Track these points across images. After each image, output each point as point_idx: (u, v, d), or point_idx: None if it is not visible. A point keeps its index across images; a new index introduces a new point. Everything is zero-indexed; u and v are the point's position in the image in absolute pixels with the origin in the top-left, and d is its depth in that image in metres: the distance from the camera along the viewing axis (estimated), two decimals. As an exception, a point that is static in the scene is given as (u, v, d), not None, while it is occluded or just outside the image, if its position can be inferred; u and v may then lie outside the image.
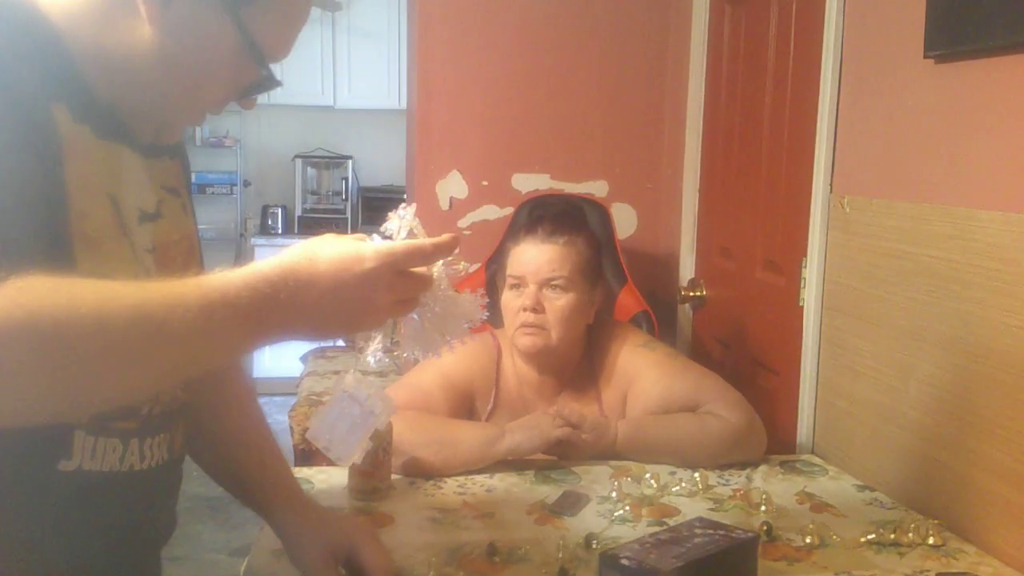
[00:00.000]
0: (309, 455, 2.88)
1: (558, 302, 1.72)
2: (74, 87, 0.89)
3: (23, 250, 0.78)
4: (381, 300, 0.85)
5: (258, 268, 0.81)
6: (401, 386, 1.77)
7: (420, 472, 1.59)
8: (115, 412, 0.95)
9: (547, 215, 1.83)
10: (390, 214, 0.96)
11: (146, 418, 0.99)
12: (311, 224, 5.77)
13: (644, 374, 1.76)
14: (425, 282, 0.90)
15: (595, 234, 1.84)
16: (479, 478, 1.60)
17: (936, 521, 1.43)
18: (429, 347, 0.98)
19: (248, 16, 0.91)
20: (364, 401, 1.05)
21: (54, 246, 0.82)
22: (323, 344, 4.64)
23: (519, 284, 1.74)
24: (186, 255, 1.05)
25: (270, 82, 0.96)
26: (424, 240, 0.91)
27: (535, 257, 1.73)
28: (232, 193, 5.97)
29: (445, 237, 0.90)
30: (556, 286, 1.72)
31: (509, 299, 1.76)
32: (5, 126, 0.81)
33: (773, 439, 1.79)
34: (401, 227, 0.95)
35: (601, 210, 2.44)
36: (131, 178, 0.96)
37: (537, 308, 1.71)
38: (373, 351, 0.98)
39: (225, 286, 0.78)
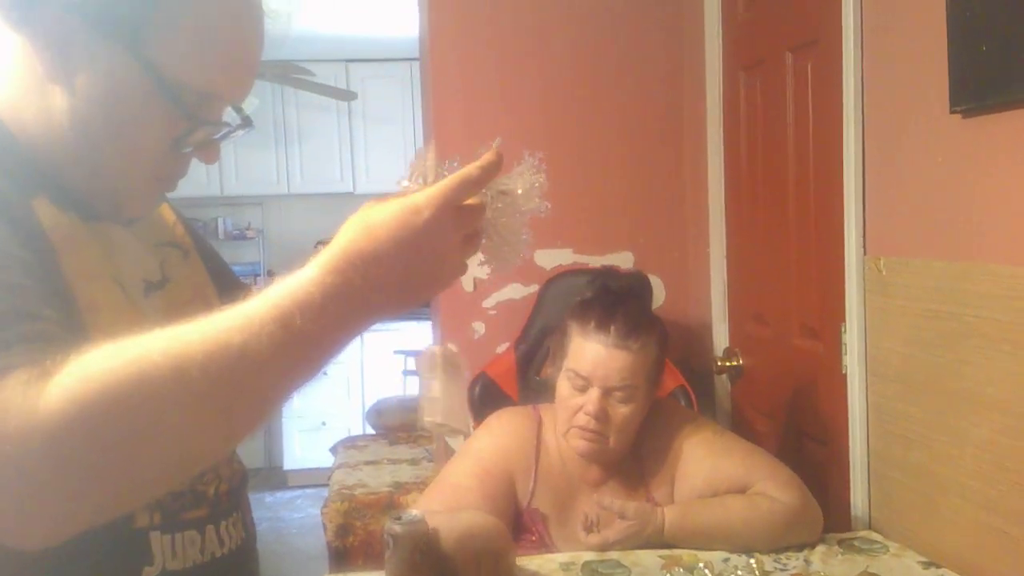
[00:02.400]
0: (344, 552, 2.81)
1: (622, 410, 1.63)
2: (43, 177, 0.85)
3: (56, 328, 0.74)
4: (449, 244, 0.78)
5: (320, 262, 0.75)
6: (433, 487, 1.71)
7: None
8: (182, 502, 0.92)
9: (620, 311, 1.67)
10: (411, 164, 0.88)
11: (214, 501, 0.96)
12: (336, 310, 5.77)
13: (690, 454, 1.69)
14: (482, 210, 0.83)
15: (664, 331, 1.72)
16: (524, 575, 1.53)
17: (1011, 599, 1.35)
18: (509, 256, 0.90)
19: (152, 50, 0.82)
20: (458, 367, 1.00)
21: (75, 338, 0.77)
22: (352, 435, 4.60)
23: (582, 385, 1.64)
24: (205, 309, 1.01)
25: (200, 121, 0.87)
26: (468, 167, 0.83)
27: (605, 361, 1.62)
28: (256, 284, 5.99)
29: (487, 156, 0.83)
30: (623, 395, 1.63)
31: (568, 395, 1.65)
32: (3, 231, 0.77)
33: (825, 513, 1.71)
34: (427, 172, 0.86)
35: (646, 282, 2.39)
36: (126, 252, 0.92)
37: (599, 416, 1.62)
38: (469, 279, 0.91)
39: (294, 291, 0.73)
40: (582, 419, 1.63)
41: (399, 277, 0.76)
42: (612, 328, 1.63)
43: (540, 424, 1.75)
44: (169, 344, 0.70)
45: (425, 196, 0.78)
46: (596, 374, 1.62)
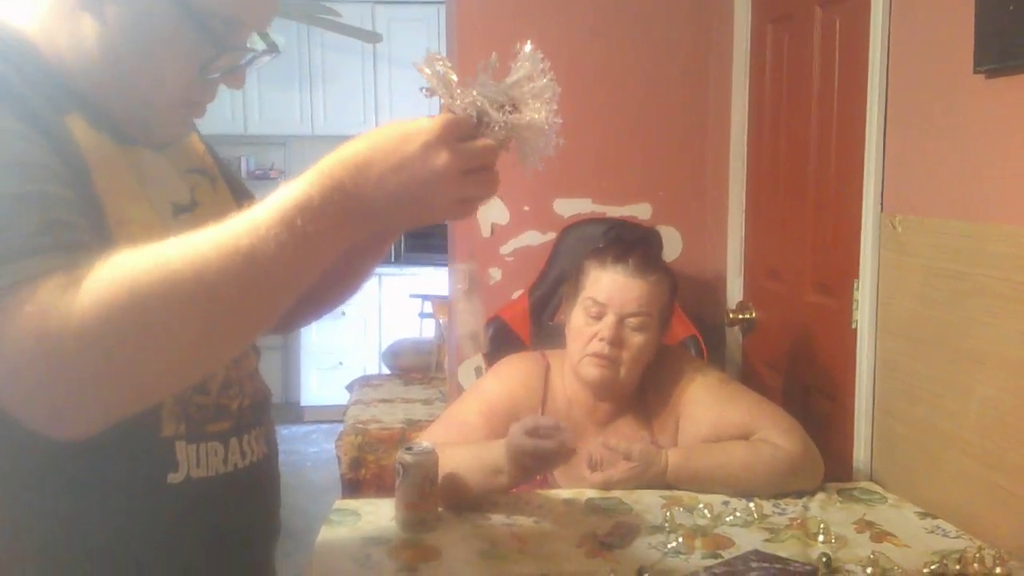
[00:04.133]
0: (357, 484, 2.89)
1: (635, 339, 1.69)
2: (76, 97, 0.89)
3: (89, 237, 0.79)
4: (441, 172, 0.82)
5: (317, 167, 0.81)
6: (440, 421, 1.76)
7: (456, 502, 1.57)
8: (207, 414, 0.97)
9: (638, 247, 1.78)
10: (424, 68, 0.90)
11: (237, 415, 1.01)
12: (356, 251, 5.82)
13: (696, 400, 1.73)
14: (492, 150, 0.86)
15: (675, 279, 1.79)
16: (527, 509, 1.58)
17: (1002, 550, 1.38)
18: (532, 157, 0.92)
19: None
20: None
21: (106, 247, 0.82)
22: (368, 374, 4.67)
23: (599, 313, 1.70)
24: None
25: (227, 47, 0.91)
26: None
27: (624, 289, 1.69)
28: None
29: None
30: (637, 323, 1.69)
31: (582, 323, 1.71)
32: (38, 143, 0.81)
33: (828, 465, 1.74)
34: (438, 79, 0.89)
35: (658, 236, 2.43)
36: (157, 175, 0.96)
37: (615, 342, 1.67)
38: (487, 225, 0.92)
39: (294, 195, 0.79)
40: (596, 345, 1.68)
41: (388, 191, 0.81)
42: (630, 260, 1.71)
43: (548, 369, 1.79)
44: (186, 250, 0.76)
45: (430, 120, 0.83)
46: (613, 300, 1.68)
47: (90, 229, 0.81)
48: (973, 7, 1.51)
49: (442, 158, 0.82)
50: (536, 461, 1.49)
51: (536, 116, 0.91)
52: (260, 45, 0.96)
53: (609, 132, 2.67)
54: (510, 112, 0.90)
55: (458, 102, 0.88)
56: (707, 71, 2.71)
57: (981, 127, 1.55)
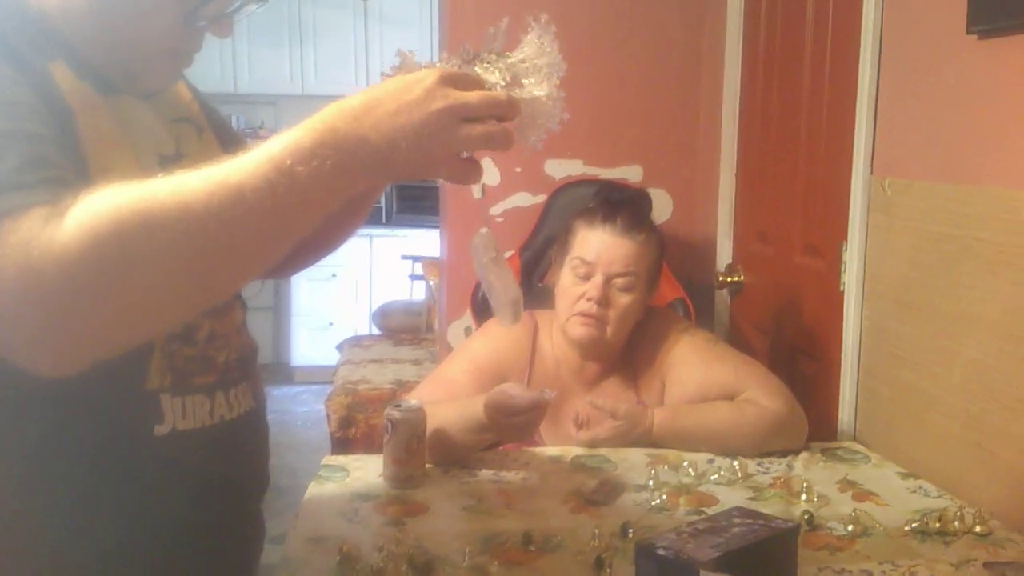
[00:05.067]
0: (346, 443, 2.90)
1: (622, 299, 1.70)
2: (60, 45, 0.88)
3: (70, 173, 0.78)
4: (441, 116, 0.80)
5: (316, 115, 0.80)
6: (428, 380, 1.77)
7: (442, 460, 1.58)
8: (193, 367, 0.97)
9: (626, 206, 1.78)
10: (397, 53, 0.91)
11: (223, 369, 1.01)
12: (345, 212, 5.80)
13: (683, 360, 1.74)
14: (494, 101, 0.85)
15: (663, 239, 1.80)
16: (514, 465, 1.59)
17: (983, 509, 1.40)
18: (530, 135, 0.92)
19: None
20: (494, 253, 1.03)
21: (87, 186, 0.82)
22: (358, 335, 4.67)
23: (586, 272, 1.70)
24: None
25: None
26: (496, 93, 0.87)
27: (611, 248, 1.69)
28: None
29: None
30: (624, 283, 1.69)
31: (570, 283, 1.72)
32: (21, 85, 0.81)
33: (813, 426, 1.76)
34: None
35: (647, 197, 2.43)
36: (141, 124, 0.95)
37: (601, 302, 1.68)
38: (478, 187, 0.94)
39: (286, 139, 0.78)
40: (584, 305, 1.68)
41: (385, 133, 0.79)
42: (618, 220, 1.71)
43: (536, 329, 1.79)
44: (174, 185, 0.75)
45: (428, 70, 0.83)
46: (601, 259, 1.69)
47: (74, 168, 0.80)
48: (967, -33, 1.50)
49: (440, 101, 0.80)
50: (511, 426, 1.49)
51: (538, 93, 0.90)
52: None
53: (601, 94, 2.65)
54: (510, 87, 0.89)
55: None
56: (700, 33, 2.69)
57: (973, 89, 1.55)
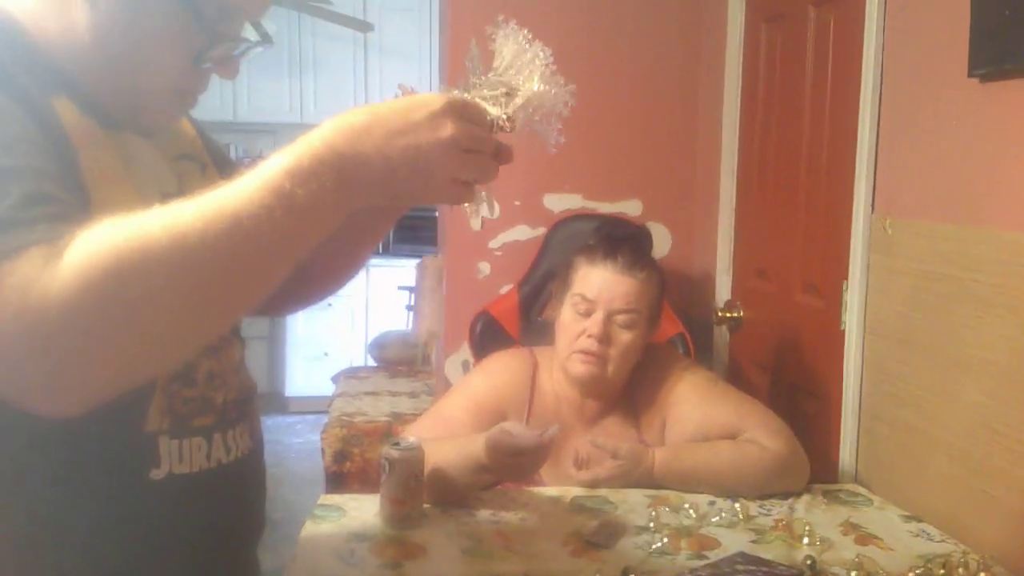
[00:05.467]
0: (341, 477, 2.87)
1: (624, 337, 1.68)
2: (64, 80, 0.87)
3: (72, 208, 0.77)
4: (445, 146, 0.79)
5: (311, 134, 0.78)
6: (426, 416, 1.75)
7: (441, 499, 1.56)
8: (192, 408, 0.95)
9: (627, 243, 1.78)
10: (399, 87, 0.90)
11: (222, 410, 0.99)
12: (343, 241, 5.80)
13: (684, 399, 1.73)
14: (492, 140, 0.85)
15: (663, 276, 1.79)
16: (513, 506, 1.57)
17: (986, 555, 1.38)
18: (552, 122, 0.91)
19: None
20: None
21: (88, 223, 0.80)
22: (354, 366, 4.65)
23: (587, 309, 1.69)
24: None
25: (220, 35, 0.89)
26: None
27: (612, 285, 1.68)
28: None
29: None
30: (625, 320, 1.68)
31: (571, 320, 1.71)
32: (23, 120, 0.80)
33: (814, 466, 1.74)
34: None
35: (648, 234, 2.43)
36: (144, 161, 0.95)
37: (603, 339, 1.67)
38: (475, 213, 0.92)
39: (284, 160, 0.76)
40: (584, 342, 1.67)
41: (387, 155, 0.78)
42: (619, 256, 1.70)
43: (536, 366, 1.78)
44: (168, 217, 0.74)
45: (435, 95, 0.81)
46: (602, 296, 1.68)
47: (75, 205, 0.79)
48: (968, 10, 1.51)
49: (447, 130, 0.79)
50: (513, 467, 1.48)
51: (535, 88, 0.89)
52: (253, 35, 0.94)
53: (600, 128, 2.66)
54: (507, 100, 0.89)
55: None
56: (700, 68, 2.70)
57: (975, 131, 1.55)
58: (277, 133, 5.97)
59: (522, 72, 0.90)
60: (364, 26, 5.12)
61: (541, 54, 0.91)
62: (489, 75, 0.90)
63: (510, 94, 0.89)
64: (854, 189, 1.88)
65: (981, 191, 1.53)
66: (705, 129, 2.69)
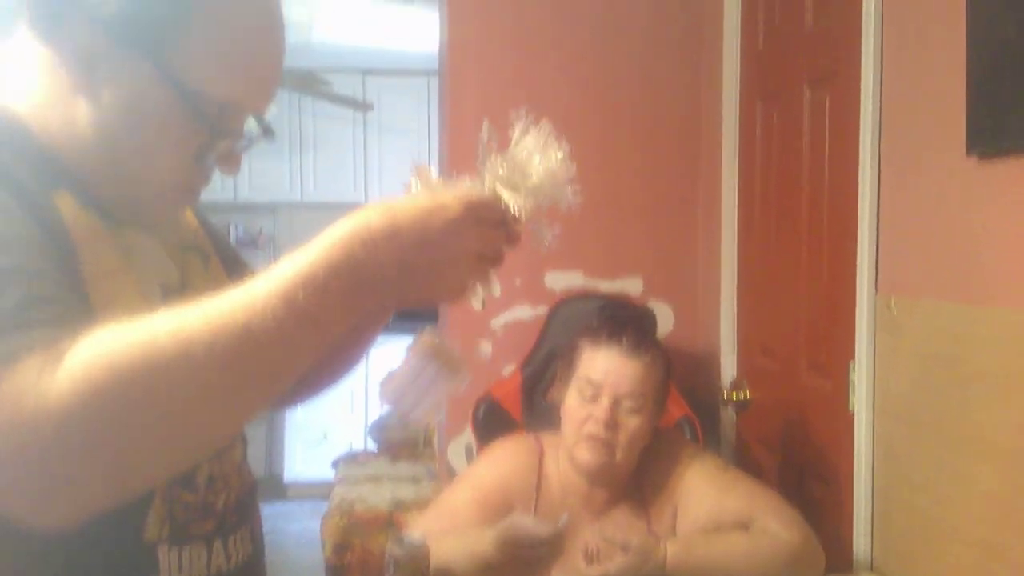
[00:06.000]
0: (341, 570, 2.79)
1: (631, 422, 1.65)
2: (66, 175, 0.86)
3: (74, 314, 0.75)
4: (463, 251, 0.79)
5: (325, 236, 0.75)
6: (432, 509, 1.71)
7: None
8: (192, 514, 0.92)
9: (631, 325, 1.76)
10: (412, 168, 0.87)
11: (222, 514, 0.96)
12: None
13: (694, 488, 1.69)
14: (509, 237, 0.83)
15: (669, 360, 1.77)
16: (519, 604, 1.52)
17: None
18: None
19: (175, 62, 0.84)
20: (445, 359, 0.96)
21: (89, 324, 0.78)
22: (354, 450, 4.59)
23: (593, 394, 1.66)
24: None
25: (222, 132, 0.88)
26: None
27: (618, 368, 1.65)
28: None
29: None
30: (632, 405, 1.65)
31: (577, 405, 1.67)
32: (22, 218, 0.78)
33: (827, 552, 1.69)
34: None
35: (652, 315, 2.41)
36: (145, 255, 0.93)
37: (610, 424, 1.63)
38: (476, 293, 0.88)
39: (298, 267, 0.73)
40: (592, 428, 1.63)
41: (406, 265, 0.76)
42: (624, 339, 1.67)
43: (542, 454, 1.74)
44: (174, 325, 0.71)
45: (455, 197, 0.79)
46: (608, 380, 1.65)
47: (76, 307, 0.77)
48: (964, 89, 1.52)
49: (466, 240, 0.78)
50: (530, 560, 1.43)
51: (549, 170, 0.88)
52: (255, 128, 0.93)
53: (600, 205, 2.66)
54: (523, 179, 0.87)
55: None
56: (698, 146, 2.72)
57: (975, 209, 1.54)
58: (277, 212, 6.01)
59: (535, 157, 0.89)
60: (364, 106, 5.20)
61: (556, 145, 0.90)
62: (504, 154, 0.88)
63: (525, 175, 0.88)
64: (856, 268, 1.87)
65: (985, 269, 1.52)
66: (704, 206, 2.69)
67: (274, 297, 0.72)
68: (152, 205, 0.92)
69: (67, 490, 0.70)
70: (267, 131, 0.94)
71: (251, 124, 0.94)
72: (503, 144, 0.89)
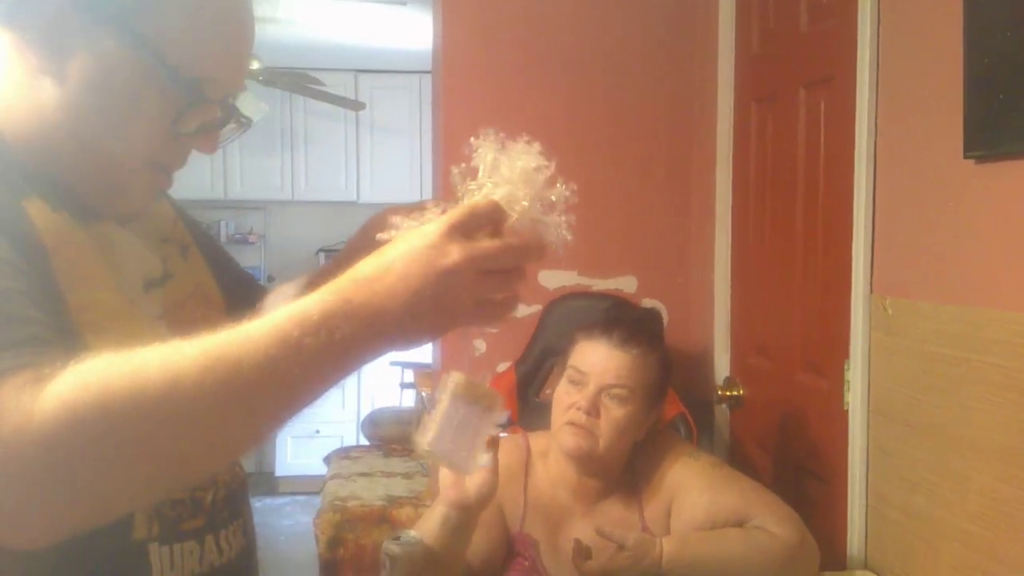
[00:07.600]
0: (334, 565, 2.80)
1: (614, 412, 1.66)
2: (36, 177, 0.85)
3: (48, 331, 0.75)
4: (463, 268, 0.74)
5: (327, 285, 0.74)
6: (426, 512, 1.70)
7: None
8: (180, 511, 0.92)
9: (626, 320, 1.77)
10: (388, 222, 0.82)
11: (212, 510, 0.95)
12: (334, 318, 5.78)
13: (689, 485, 1.69)
14: (509, 250, 0.78)
15: (668, 356, 1.77)
16: (517, 601, 1.52)
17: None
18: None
19: (145, 31, 0.83)
20: (476, 398, 0.93)
21: (65, 340, 0.78)
22: (346, 445, 4.59)
23: (580, 381, 1.68)
24: (204, 306, 1.00)
25: (197, 99, 0.86)
26: (513, 239, 0.79)
27: (604, 360, 1.67)
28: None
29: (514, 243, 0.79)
30: (616, 396, 1.66)
31: (564, 392, 1.69)
32: None
33: (821, 550, 1.70)
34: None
35: (658, 317, 2.42)
36: (125, 250, 0.92)
37: (591, 412, 1.64)
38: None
39: (294, 310, 0.72)
40: (573, 414, 1.65)
41: (401, 301, 0.74)
42: (615, 332, 1.69)
43: (528, 452, 1.75)
44: (166, 357, 0.71)
45: (430, 225, 0.76)
46: (594, 370, 1.66)
47: (50, 322, 0.76)
48: (961, 93, 1.53)
49: (453, 255, 0.74)
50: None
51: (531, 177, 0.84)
52: (234, 112, 0.92)
53: (594, 205, 2.66)
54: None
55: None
56: (691, 148, 2.73)
57: (971, 212, 1.55)
58: (268, 209, 6.00)
59: (516, 172, 0.87)
60: (356, 105, 5.19)
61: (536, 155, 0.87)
62: (480, 178, 0.86)
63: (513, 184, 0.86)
64: (852, 269, 1.88)
65: (980, 271, 1.53)
66: (698, 205, 2.70)
67: (268, 336, 0.71)
68: (128, 187, 0.91)
69: (43, 512, 0.70)
70: (245, 120, 0.92)
71: (226, 105, 0.92)
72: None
